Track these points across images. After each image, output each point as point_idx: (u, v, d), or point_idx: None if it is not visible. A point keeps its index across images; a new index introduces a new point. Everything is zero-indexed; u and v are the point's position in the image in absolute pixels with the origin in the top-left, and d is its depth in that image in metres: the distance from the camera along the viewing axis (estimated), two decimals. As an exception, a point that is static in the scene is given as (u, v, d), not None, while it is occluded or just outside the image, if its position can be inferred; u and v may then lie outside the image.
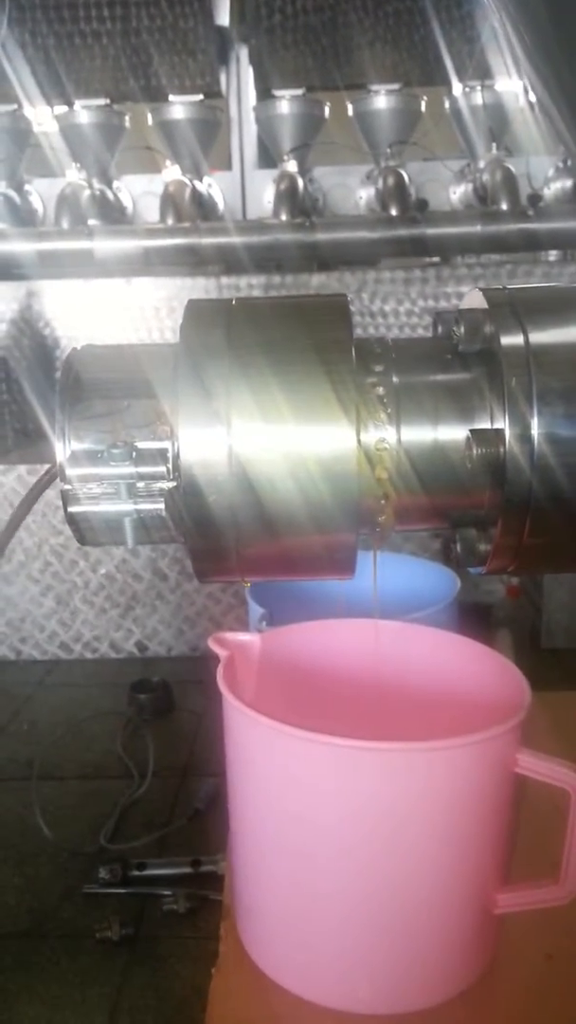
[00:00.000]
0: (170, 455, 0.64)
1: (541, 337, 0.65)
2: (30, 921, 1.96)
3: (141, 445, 0.64)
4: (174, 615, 3.18)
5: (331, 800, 0.68)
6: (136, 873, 2.05)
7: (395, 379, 0.67)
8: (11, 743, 2.68)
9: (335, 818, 0.68)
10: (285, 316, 0.68)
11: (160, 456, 0.64)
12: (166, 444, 0.65)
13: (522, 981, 0.76)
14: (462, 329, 0.67)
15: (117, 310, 3.25)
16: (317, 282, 3.26)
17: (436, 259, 3.60)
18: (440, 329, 0.73)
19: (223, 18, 3.47)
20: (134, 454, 0.64)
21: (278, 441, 0.63)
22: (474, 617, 2.49)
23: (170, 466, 0.64)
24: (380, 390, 0.67)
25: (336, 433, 0.63)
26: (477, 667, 0.80)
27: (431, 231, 3.19)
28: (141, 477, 0.64)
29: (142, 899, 1.99)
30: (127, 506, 0.64)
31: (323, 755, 0.66)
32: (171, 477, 0.64)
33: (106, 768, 2.52)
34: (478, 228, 3.18)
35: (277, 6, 3.31)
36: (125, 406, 0.65)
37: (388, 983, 0.72)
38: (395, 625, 0.86)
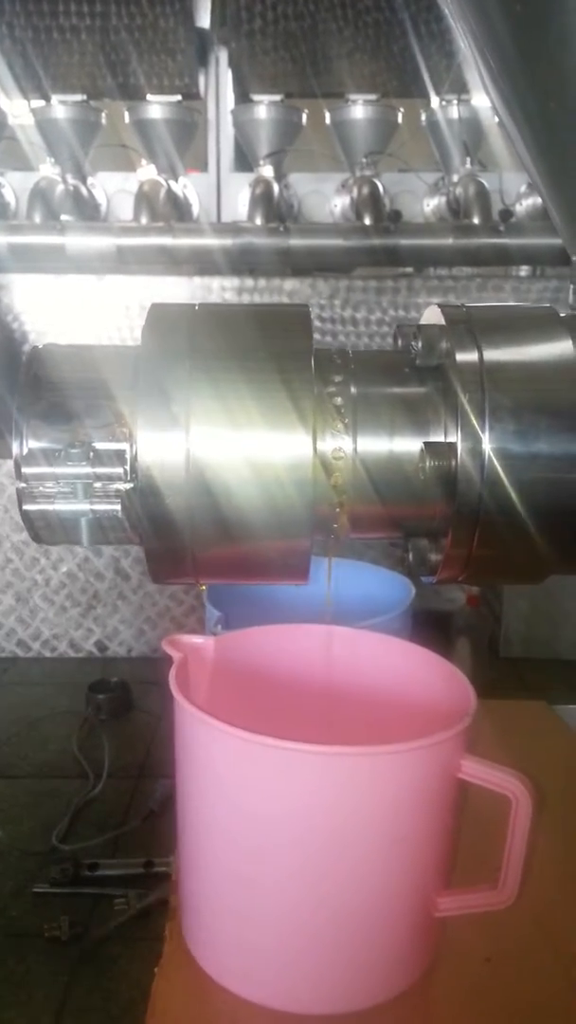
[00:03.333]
0: (128, 457, 0.65)
1: (495, 355, 0.66)
2: (-22, 920, 1.95)
3: (99, 446, 0.65)
4: (135, 615, 3.17)
5: (275, 802, 0.68)
6: (88, 873, 2.04)
7: (353, 390, 0.69)
8: (-35, 741, 2.66)
9: (279, 820, 0.69)
10: (247, 324, 0.69)
11: (118, 457, 0.65)
12: (124, 446, 0.65)
13: (461, 983, 0.78)
14: (420, 344, 0.68)
15: (88, 307, 3.23)
16: (290, 287, 3.27)
17: (409, 270, 3.63)
18: (400, 342, 0.74)
19: (204, 20, 3.47)
20: (92, 454, 0.64)
21: (235, 446, 0.64)
22: (434, 625, 2.52)
23: (128, 467, 0.65)
24: (338, 400, 0.68)
25: (292, 440, 0.64)
26: (426, 674, 0.81)
27: (404, 242, 3.22)
28: (98, 477, 0.64)
29: (93, 899, 1.98)
30: (83, 506, 0.64)
31: (268, 757, 0.66)
32: (128, 478, 0.65)
33: (61, 768, 2.51)
34: (450, 241, 3.22)
35: (258, 11, 3.33)
36: (84, 406, 0.66)
37: (328, 983, 0.73)
38: (348, 631, 0.87)
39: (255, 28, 3.37)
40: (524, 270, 3.65)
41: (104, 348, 0.71)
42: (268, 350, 0.66)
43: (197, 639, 0.83)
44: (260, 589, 1.10)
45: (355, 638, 0.87)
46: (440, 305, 0.71)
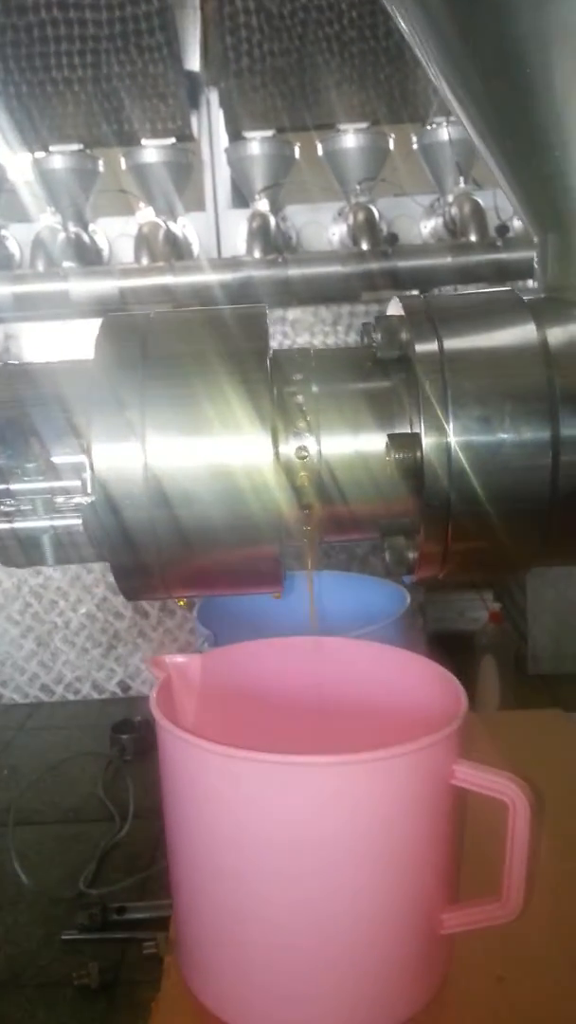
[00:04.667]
0: (86, 470, 0.64)
1: (456, 343, 0.65)
2: (7, 970, 1.91)
3: (56, 460, 0.64)
4: (157, 652, 3.14)
5: (263, 820, 0.66)
6: (116, 917, 2.00)
7: (314, 387, 0.67)
8: (-10, 789, 2.64)
9: (268, 839, 0.66)
10: (201, 327, 0.68)
11: (75, 471, 0.63)
12: (82, 458, 0.64)
13: (474, 1005, 0.74)
14: (380, 336, 0.66)
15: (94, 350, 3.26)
16: (292, 316, 3.29)
17: (415, 292, 3.63)
18: (364, 339, 0.73)
19: (193, 63, 3.54)
20: (48, 469, 0.63)
21: (193, 453, 0.63)
22: (457, 645, 2.46)
23: (86, 480, 0.63)
24: (299, 398, 0.67)
25: (251, 442, 0.62)
26: (418, 679, 0.78)
27: (402, 264, 3.23)
28: (56, 492, 0.63)
29: (122, 944, 1.94)
30: (43, 522, 0.63)
31: (250, 772, 0.64)
32: (87, 492, 0.63)
33: (86, 811, 2.48)
34: (448, 260, 3.22)
35: (244, 50, 3.39)
36: (41, 421, 0.65)
37: (330, 1012, 0.69)
38: (336, 641, 0.84)
39: (243, 67, 3.43)
40: (529, 283, 3.63)
41: (59, 363, 0.70)
42: (222, 352, 0.65)
43: (181, 658, 0.81)
44: (250, 605, 1.08)
45: (344, 647, 0.84)
46: (399, 296, 0.69)
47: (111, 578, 2.86)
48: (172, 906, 0.82)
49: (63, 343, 3.35)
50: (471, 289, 3.43)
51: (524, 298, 0.68)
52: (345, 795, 0.65)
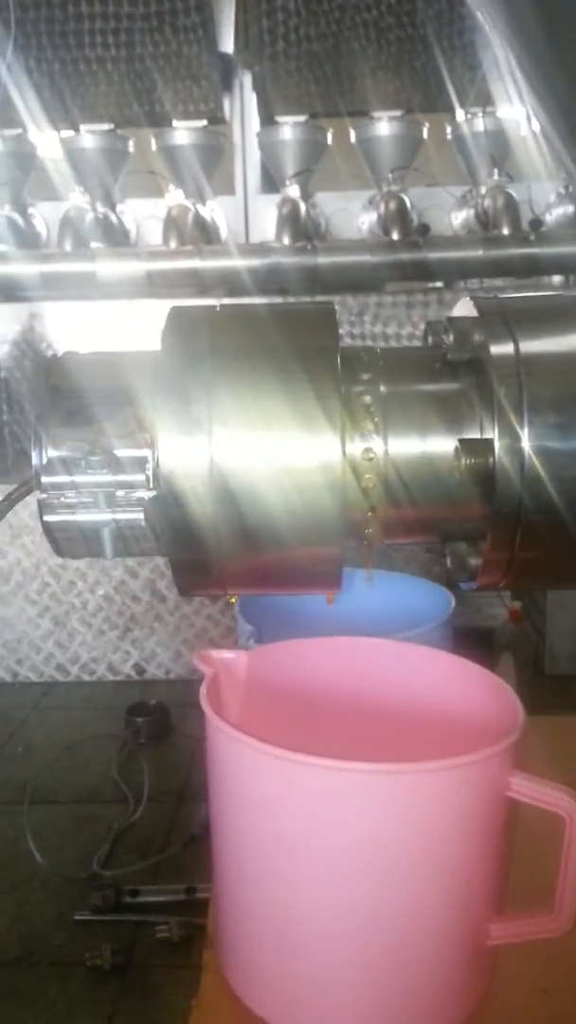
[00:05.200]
0: (150, 464, 0.63)
1: (532, 346, 0.63)
2: (20, 948, 1.93)
3: (120, 453, 0.63)
4: (172, 637, 3.15)
5: (314, 824, 0.65)
6: (129, 900, 2.01)
7: (382, 388, 0.66)
8: (5, 767, 2.65)
9: (318, 843, 0.65)
10: (270, 323, 0.66)
11: (139, 464, 0.62)
12: (146, 452, 0.63)
13: (516, 1017, 0.73)
14: (451, 338, 0.65)
15: (119, 332, 3.25)
16: (319, 305, 3.26)
17: (439, 284, 3.60)
18: (431, 339, 0.72)
19: (227, 45, 3.50)
20: (112, 462, 0.62)
21: (260, 450, 0.62)
22: (475, 642, 2.46)
23: (150, 475, 0.62)
24: (367, 399, 0.65)
25: (320, 442, 0.61)
26: (470, 687, 0.77)
27: (433, 255, 3.20)
28: (119, 486, 0.62)
29: (135, 926, 1.95)
30: (105, 516, 0.62)
31: (304, 776, 0.63)
32: (150, 486, 0.62)
33: (101, 793, 2.49)
34: (480, 253, 3.18)
35: (280, 33, 3.34)
36: (105, 413, 0.64)
37: (374, 1016, 0.68)
38: (385, 643, 0.83)
39: (278, 51, 3.39)
40: (556, 279, 3.60)
41: (125, 354, 0.69)
42: (292, 349, 0.63)
43: (228, 654, 0.80)
44: (293, 602, 1.07)
45: (393, 650, 0.83)
46: (472, 296, 0.68)
47: (129, 561, 2.87)
48: (209, 900, 0.81)
49: (88, 323, 3.34)
50: (500, 282, 3.40)
51: (600, 302, 0.66)
52: (400, 803, 0.64)
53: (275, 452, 0.61)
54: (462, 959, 0.70)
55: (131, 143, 3.56)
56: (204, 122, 3.50)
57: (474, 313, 0.66)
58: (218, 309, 0.67)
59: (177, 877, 2.07)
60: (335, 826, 0.65)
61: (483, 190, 3.44)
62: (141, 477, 0.62)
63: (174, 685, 3.12)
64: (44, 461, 0.62)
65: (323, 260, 3.20)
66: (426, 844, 0.66)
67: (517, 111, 3.37)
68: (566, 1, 0.60)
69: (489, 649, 2.86)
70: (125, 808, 2.37)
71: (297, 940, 0.69)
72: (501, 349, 0.63)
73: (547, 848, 0.69)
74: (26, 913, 2.03)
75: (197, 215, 3.42)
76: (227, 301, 3.28)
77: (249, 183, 3.77)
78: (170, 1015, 1.72)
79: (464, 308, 0.69)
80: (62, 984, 1.83)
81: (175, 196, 3.50)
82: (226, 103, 3.62)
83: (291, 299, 3.26)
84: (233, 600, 0.92)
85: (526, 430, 0.61)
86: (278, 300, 3.25)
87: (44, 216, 3.62)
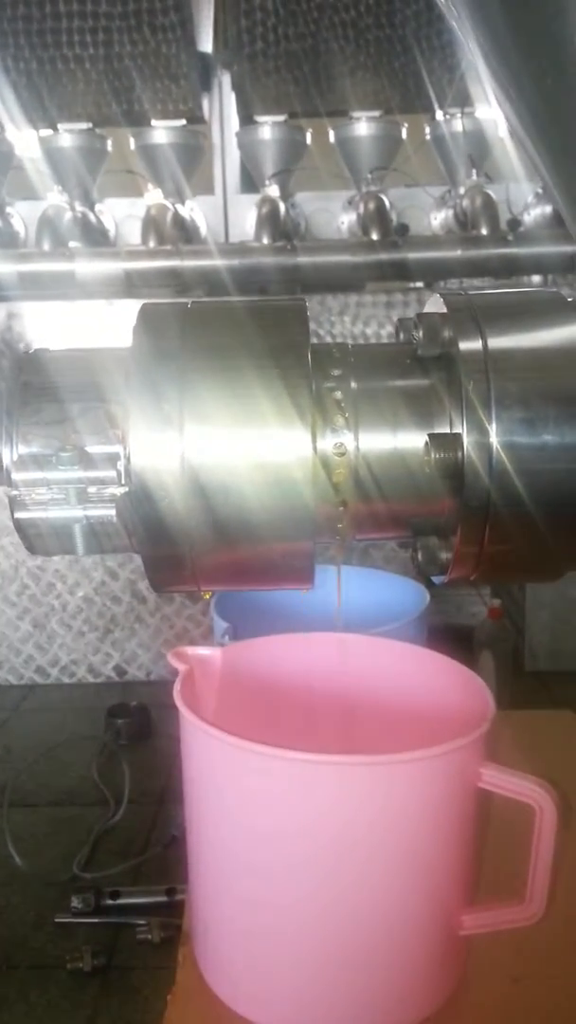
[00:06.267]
0: (121, 460, 0.63)
1: (500, 342, 0.64)
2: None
3: (91, 449, 0.63)
4: (153, 638, 3.14)
5: (286, 817, 0.65)
6: (110, 902, 2.00)
7: (353, 384, 0.66)
8: (-16, 770, 2.63)
9: (291, 836, 0.65)
10: (241, 319, 0.67)
11: (110, 461, 0.62)
12: (117, 449, 0.63)
13: (489, 1006, 0.74)
14: (421, 333, 0.65)
15: (98, 332, 3.24)
16: (299, 305, 3.26)
17: (419, 284, 3.61)
18: (402, 335, 0.72)
19: (206, 44, 3.50)
20: (84, 459, 0.62)
21: (231, 445, 0.62)
22: (455, 639, 2.47)
23: (121, 471, 0.62)
24: (338, 394, 0.66)
25: (291, 437, 0.61)
26: (443, 681, 0.78)
27: (412, 255, 3.21)
28: (91, 482, 0.62)
29: (115, 928, 1.94)
30: (76, 512, 0.62)
31: (275, 769, 0.63)
32: (122, 482, 0.62)
33: (81, 794, 2.48)
34: (458, 253, 3.20)
35: (259, 33, 3.35)
36: (76, 410, 0.64)
37: (346, 1009, 0.69)
38: (360, 638, 0.84)
39: (257, 50, 3.40)
40: (535, 279, 3.62)
41: (96, 351, 0.69)
42: (262, 345, 0.63)
43: (204, 650, 0.80)
44: (268, 598, 1.08)
45: (368, 645, 0.84)
46: (442, 293, 0.68)
47: (109, 562, 2.85)
48: (185, 897, 0.81)
49: (67, 323, 3.33)
50: (479, 282, 3.42)
51: (568, 299, 0.67)
52: (373, 795, 0.64)
53: (246, 447, 0.62)
54: (435, 950, 0.71)
55: (109, 142, 3.55)
56: (183, 121, 3.50)
57: (444, 309, 0.66)
58: (189, 306, 0.67)
59: (158, 879, 2.06)
60: (308, 819, 0.65)
61: (462, 190, 3.46)
62: (112, 473, 0.62)
63: (155, 686, 3.11)
64: (15, 458, 0.62)
65: (303, 260, 3.21)
66: (399, 836, 0.66)
67: (495, 111, 3.40)
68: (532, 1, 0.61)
69: (469, 647, 2.88)
70: (106, 810, 2.36)
71: (269, 934, 0.69)
72: (470, 345, 0.63)
73: (518, 839, 0.70)
74: (5, 916, 2.02)
75: (176, 215, 3.42)
76: (207, 301, 3.28)
77: (228, 183, 3.77)
78: (151, 1016, 1.71)
79: (435, 305, 0.69)
80: (42, 987, 1.82)
81: (154, 195, 3.49)
82: (205, 103, 3.61)
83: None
84: (208, 596, 0.92)
85: (494, 425, 0.61)
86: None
87: (22, 215, 3.60)
